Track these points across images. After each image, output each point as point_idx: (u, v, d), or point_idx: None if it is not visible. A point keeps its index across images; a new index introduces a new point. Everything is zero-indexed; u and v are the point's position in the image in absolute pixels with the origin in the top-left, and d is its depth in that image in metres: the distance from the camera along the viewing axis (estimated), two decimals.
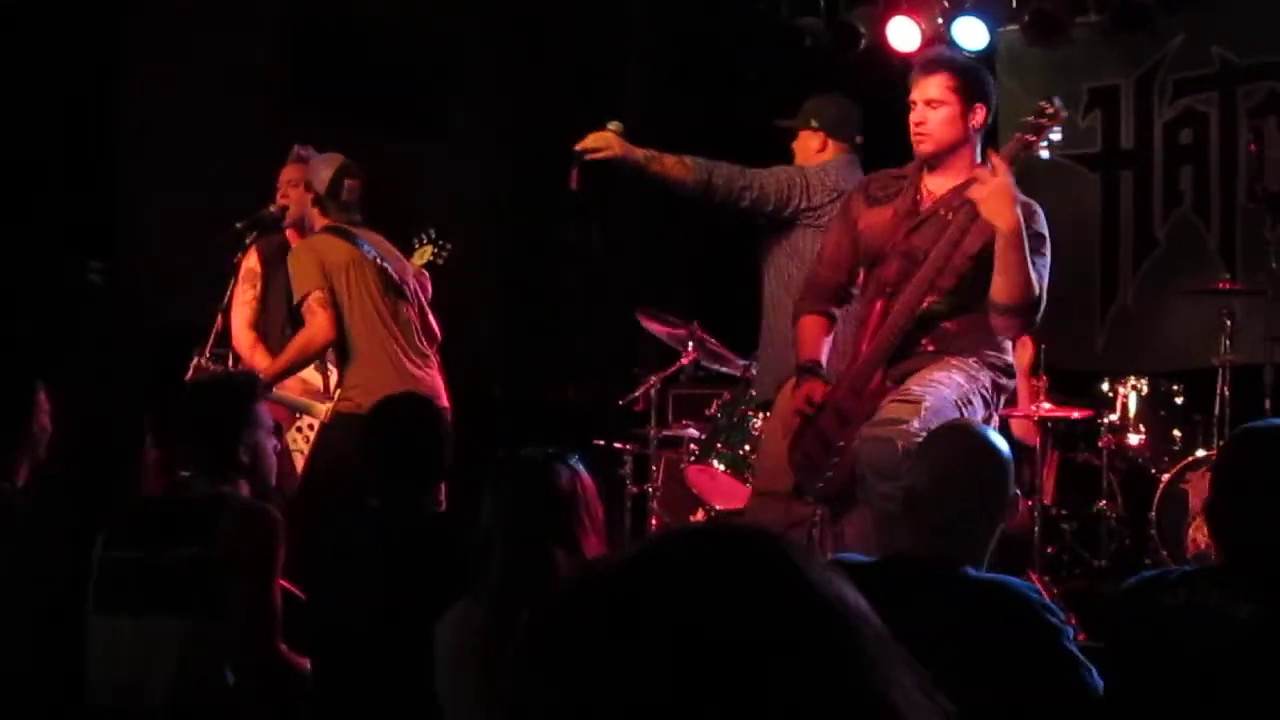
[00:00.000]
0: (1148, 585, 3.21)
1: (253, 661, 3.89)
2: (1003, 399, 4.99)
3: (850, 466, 4.73)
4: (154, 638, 3.82)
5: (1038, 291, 4.69)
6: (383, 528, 4.12)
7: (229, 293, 6.14)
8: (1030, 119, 4.73)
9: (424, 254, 6.35)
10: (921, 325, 4.80)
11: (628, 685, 1.10)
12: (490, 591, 3.46)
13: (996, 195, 4.53)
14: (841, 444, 4.82)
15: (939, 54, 5.18)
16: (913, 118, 4.93)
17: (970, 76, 4.96)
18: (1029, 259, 4.63)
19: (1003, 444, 3.49)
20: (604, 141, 5.46)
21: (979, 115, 4.92)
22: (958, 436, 3.66)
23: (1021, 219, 4.58)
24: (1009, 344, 4.98)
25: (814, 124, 5.87)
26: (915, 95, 4.93)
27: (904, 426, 4.51)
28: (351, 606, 3.98)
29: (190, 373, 5.97)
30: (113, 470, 6.58)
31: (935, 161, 4.93)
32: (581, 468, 3.60)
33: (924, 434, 4.42)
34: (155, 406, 6.34)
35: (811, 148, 5.85)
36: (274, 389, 6.02)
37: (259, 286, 6.35)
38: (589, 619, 1.15)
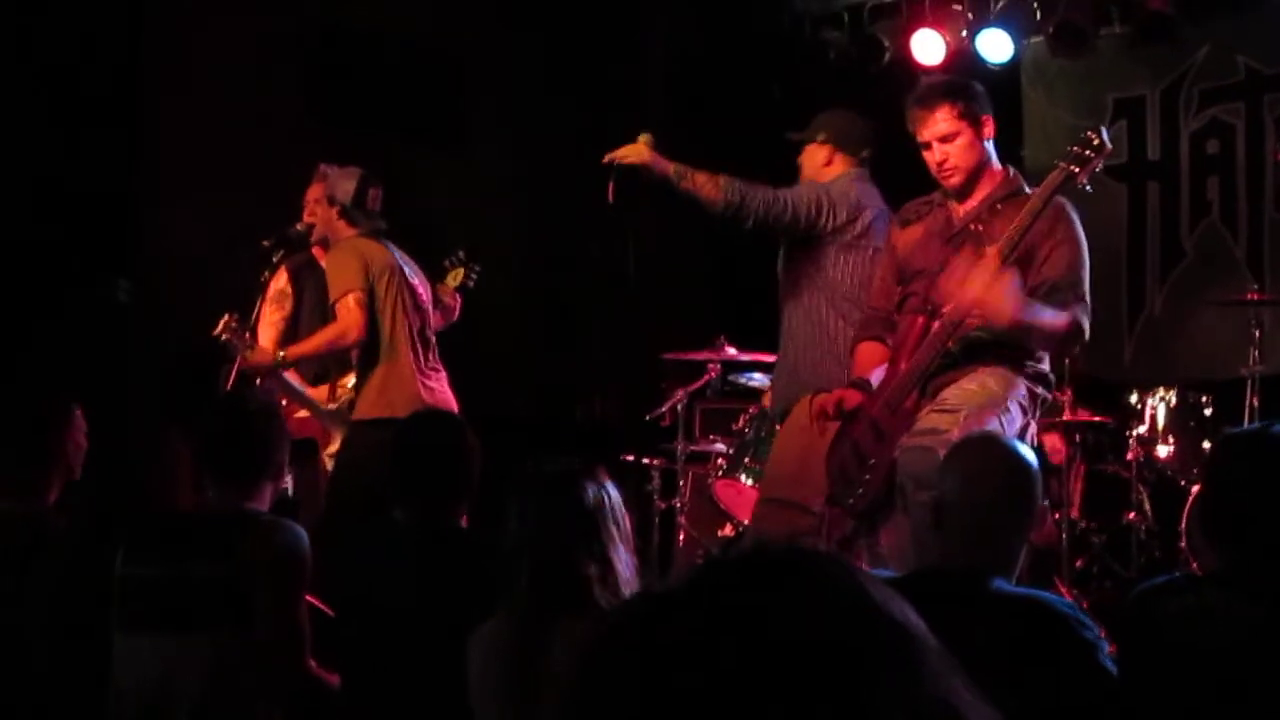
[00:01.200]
0: (1155, 591, 3.23)
1: (282, 678, 3.89)
2: (1039, 408, 4.97)
3: (882, 482, 4.74)
4: (178, 655, 3.82)
5: (1064, 328, 4.72)
6: (412, 542, 4.12)
7: (256, 310, 6.16)
8: (1076, 149, 4.73)
9: (456, 276, 6.38)
10: (959, 342, 4.81)
11: (695, 713, 1.10)
12: (519, 606, 3.46)
13: (992, 300, 4.58)
14: (874, 461, 4.82)
15: (930, 87, 5.16)
16: (933, 159, 4.97)
17: (968, 96, 4.98)
18: (1042, 316, 4.66)
19: (1029, 454, 3.49)
20: (634, 151, 5.44)
21: (989, 128, 4.99)
22: (983, 447, 3.66)
23: (1019, 309, 4.60)
24: (1045, 354, 4.98)
25: (822, 137, 5.81)
26: (926, 135, 4.95)
27: (944, 435, 4.52)
28: (381, 622, 3.98)
29: (219, 327, 5.97)
30: (140, 487, 6.61)
31: (966, 190, 4.96)
32: (608, 481, 3.60)
33: None
34: (185, 423, 6.36)
35: (819, 161, 5.80)
36: (285, 375, 6.05)
37: (288, 307, 6.37)
38: (654, 647, 1.14)
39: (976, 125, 4.93)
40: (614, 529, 3.48)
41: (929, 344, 4.80)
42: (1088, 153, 4.71)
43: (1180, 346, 8.38)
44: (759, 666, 1.10)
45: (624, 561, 3.46)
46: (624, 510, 3.58)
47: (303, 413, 6.30)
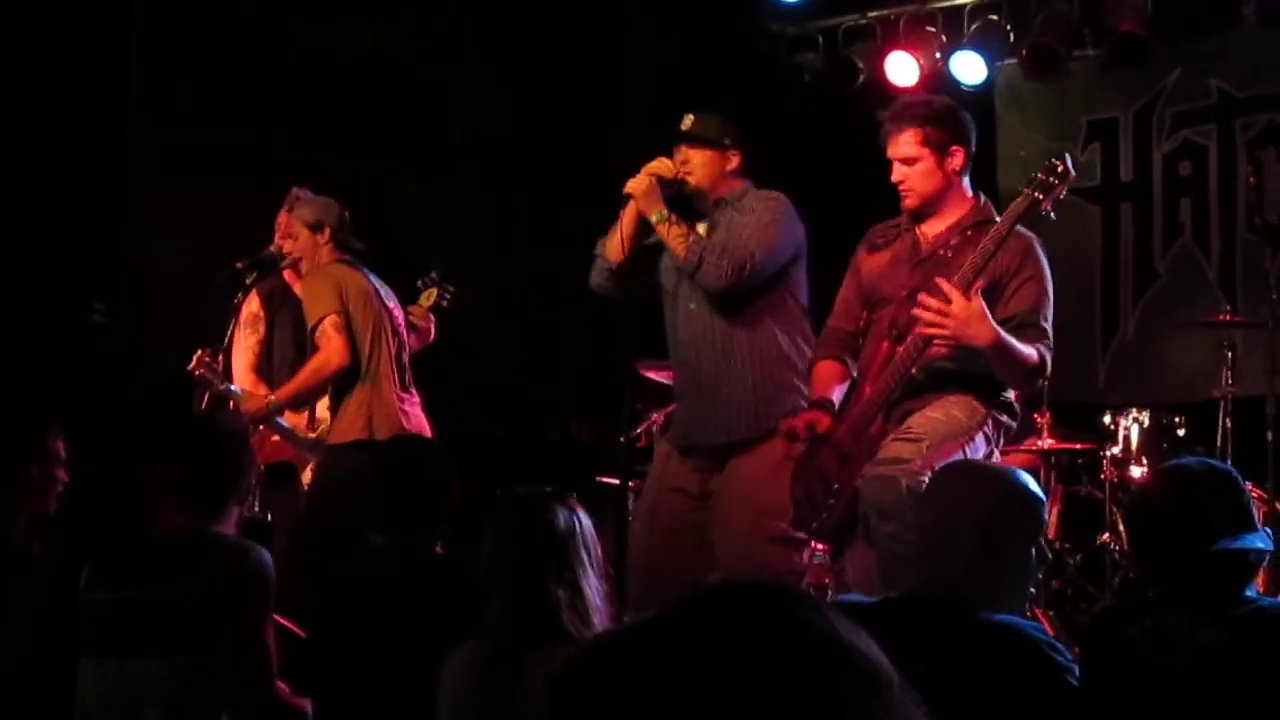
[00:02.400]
0: (1110, 614, 3.27)
1: (250, 702, 3.88)
2: (1004, 437, 4.98)
3: (847, 506, 4.73)
4: (143, 679, 3.79)
5: (1035, 364, 4.73)
6: (388, 566, 4.12)
7: (229, 334, 6.15)
8: (1041, 176, 4.70)
9: (430, 296, 6.37)
10: (924, 369, 4.78)
11: None
12: (490, 631, 3.46)
13: (960, 323, 4.54)
14: (838, 485, 4.82)
15: (904, 106, 5.14)
16: (893, 176, 4.97)
17: (937, 125, 4.94)
18: (1015, 347, 4.65)
19: (1021, 481, 3.41)
20: (637, 183, 5.31)
21: (956, 159, 4.93)
22: (961, 475, 3.66)
23: (998, 332, 4.58)
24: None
25: (729, 142, 5.46)
26: (890, 153, 4.95)
27: (907, 465, 4.50)
28: (355, 645, 3.98)
29: (193, 363, 5.96)
30: (115, 511, 6.59)
31: (923, 213, 4.97)
32: (579, 508, 3.60)
33: (927, 472, 4.44)
34: (161, 444, 6.33)
35: (723, 169, 5.47)
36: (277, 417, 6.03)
37: (262, 330, 6.35)
38: (624, 683, 1.16)
39: (941, 153, 4.90)
40: (584, 555, 3.49)
41: (893, 369, 4.78)
42: (1052, 179, 4.68)
43: (1153, 368, 8.41)
44: (729, 702, 1.12)
45: (594, 588, 3.47)
46: (595, 537, 3.58)
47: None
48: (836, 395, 5.04)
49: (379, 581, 4.07)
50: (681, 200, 5.38)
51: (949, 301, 4.52)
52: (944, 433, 4.64)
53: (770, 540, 5.18)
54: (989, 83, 8.64)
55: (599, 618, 3.40)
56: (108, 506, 6.46)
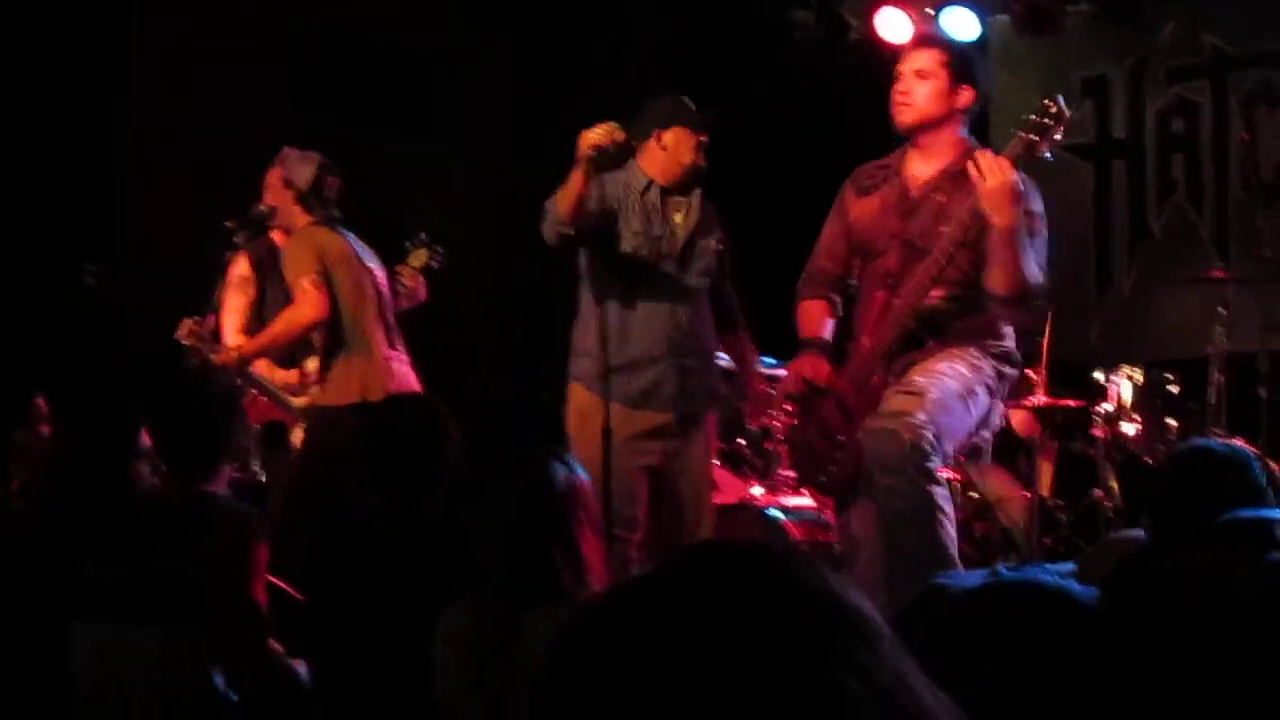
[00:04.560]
0: (1140, 556, 3.30)
1: (244, 665, 3.88)
2: (1007, 387, 4.97)
3: (854, 460, 4.73)
4: (138, 645, 3.80)
5: (1036, 280, 4.69)
6: (383, 528, 4.12)
7: (218, 293, 6.13)
8: (1034, 118, 4.65)
9: (419, 257, 6.36)
10: (922, 319, 4.78)
11: (651, 709, 1.14)
12: (487, 591, 3.46)
13: (999, 192, 4.49)
14: (844, 439, 4.81)
15: (934, 33, 5.16)
16: (897, 87, 4.91)
17: (963, 56, 4.98)
18: (1025, 248, 4.62)
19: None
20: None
21: (965, 96, 4.91)
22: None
23: (1020, 218, 4.56)
24: (1010, 332, 4.97)
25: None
26: (903, 67, 4.92)
27: (908, 419, 4.51)
28: (350, 607, 3.98)
29: (183, 332, 5.96)
30: (107, 475, 6.58)
31: (915, 137, 4.91)
32: (577, 466, 3.59)
33: (929, 425, 4.44)
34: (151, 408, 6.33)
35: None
36: (251, 369, 6.02)
37: (251, 292, 6.34)
38: (625, 638, 1.18)
39: (953, 82, 4.87)
40: (582, 515, 3.47)
41: (892, 319, 4.77)
42: (1047, 120, 4.64)
43: (1146, 325, 8.41)
44: (720, 656, 1.14)
45: (592, 548, 3.46)
46: (593, 496, 3.57)
47: None
48: (827, 333, 5.04)
49: (372, 543, 4.06)
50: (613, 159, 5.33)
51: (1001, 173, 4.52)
52: (946, 385, 4.64)
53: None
54: (981, 39, 8.60)
55: (596, 578, 3.39)
56: (95, 468, 6.46)
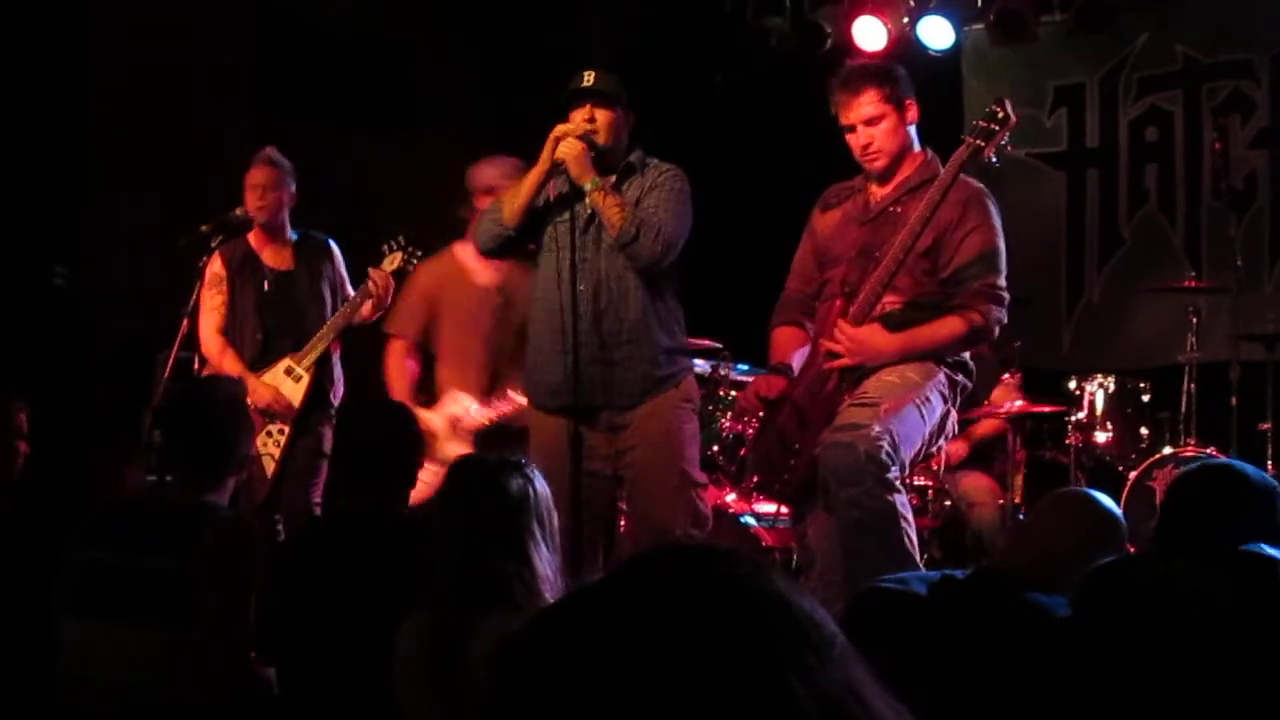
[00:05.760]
0: (1118, 563, 3.30)
1: (222, 671, 3.86)
2: (959, 395, 4.99)
3: (808, 467, 4.74)
4: (127, 643, 3.79)
5: (964, 329, 4.79)
6: (349, 531, 4.10)
7: (194, 296, 6.10)
8: (982, 124, 4.74)
9: (394, 260, 6.34)
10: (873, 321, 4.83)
11: (602, 710, 1.13)
12: (440, 599, 3.44)
13: (862, 350, 4.75)
14: (798, 446, 4.83)
15: (854, 70, 5.13)
16: (857, 141, 4.94)
17: (893, 80, 4.98)
18: (925, 340, 4.77)
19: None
20: (570, 148, 5.07)
21: (912, 112, 4.98)
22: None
23: (899, 343, 4.76)
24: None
25: (625, 103, 5.28)
26: (852, 118, 4.93)
27: (864, 431, 4.54)
28: (316, 611, 3.95)
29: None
30: (79, 473, 6.55)
31: (890, 171, 4.97)
32: (536, 475, 3.56)
33: (885, 436, 4.47)
34: (125, 409, 6.31)
35: (621, 133, 5.29)
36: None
37: (225, 291, 6.32)
38: (570, 643, 1.18)
39: (900, 109, 4.93)
40: (536, 526, 3.44)
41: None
42: (993, 126, 4.71)
43: (1118, 333, 8.44)
44: (674, 656, 1.14)
45: (545, 559, 3.41)
46: (551, 506, 3.53)
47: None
48: (796, 360, 5.05)
49: (339, 546, 4.04)
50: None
51: (843, 339, 4.72)
52: (899, 395, 4.68)
53: (694, 488, 5.12)
54: (956, 48, 8.64)
55: (549, 589, 3.35)
56: (70, 469, 6.43)
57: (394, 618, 3.52)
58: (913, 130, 5.00)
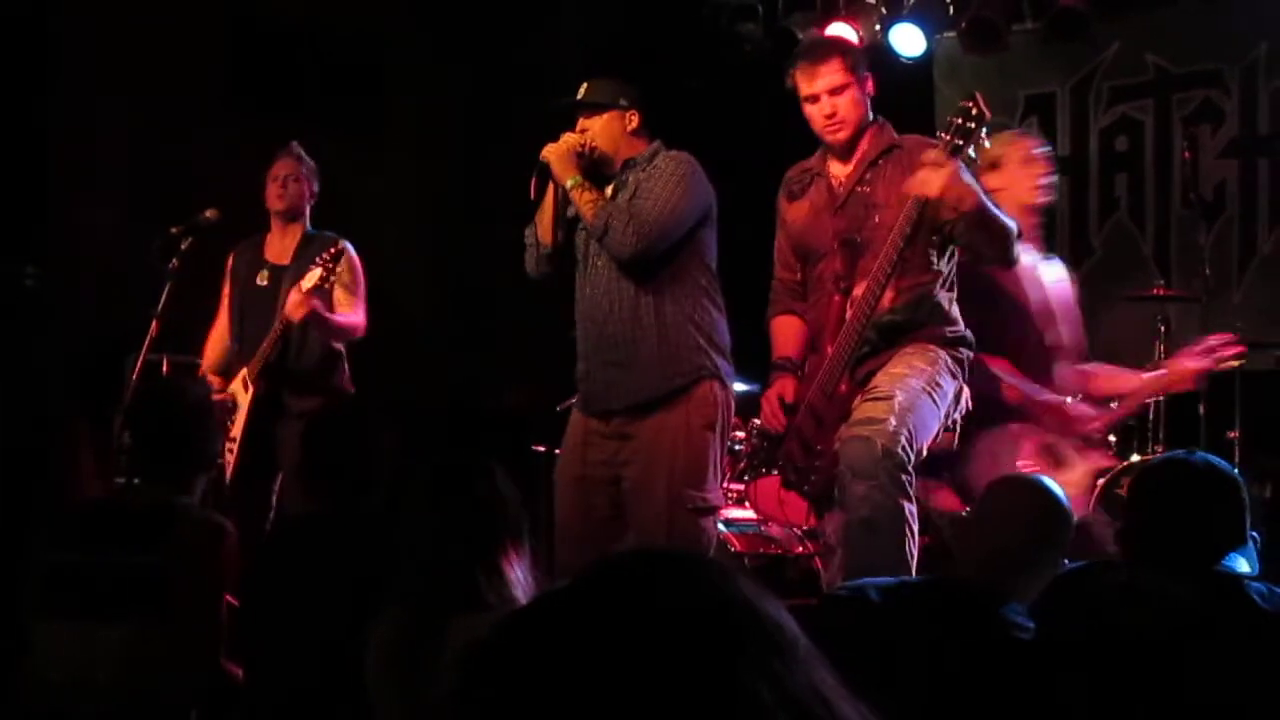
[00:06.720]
0: (1080, 570, 3.30)
1: (195, 671, 3.86)
2: (965, 369, 4.99)
3: (831, 466, 4.77)
4: (96, 643, 3.78)
5: (1014, 225, 4.84)
6: (318, 532, 4.10)
7: (164, 298, 6.08)
8: (958, 121, 4.69)
9: (311, 277, 6.13)
10: (880, 327, 4.84)
11: (569, 713, 1.14)
12: (409, 600, 3.43)
13: (949, 187, 4.58)
14: (820, 447, 4.86)
15: (818, 42, 5.19)
16: (820, 110, 4.94)
17: (854, 52, 5.06)
18: (994, 205, 4.76)
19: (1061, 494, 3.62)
20: (555, 150, 5.15)
21: (869, 84, 5.01)
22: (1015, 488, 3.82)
23: (979, 191, 4.67)
24: (957, 313, 5.02)
25: (625, 102, 5.31)
26: (816, 88, 4.94)
27: (881, 425, 4.57)
28: (286, 611, 3.95)
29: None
30: (44, 474, 6.52)
31: (852, 143, 4.97)
32: (502, 476, 3.55)
33: (902, 429, 4.49)
34: (93, 410, 6.28)
35: (623, 129, 5.31)
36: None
37: (228, 293, 6.37)
38: (517, 654, 1.20)
39: (861, 81, 4.96)
40: (504, 527, 3.44)
41: (849, 329, 4.82)
42: (970, 124, 4.66)
43: (1088, 341, 8.46)
44: (638, 657, 1.15)
45: (513, 561, 3.41)
46: (519, 507, 3.53)
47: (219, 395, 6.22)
48: (795, 350, 5.08)
49: (308, 547, 4.03)
50: (595, 170, 5.21)
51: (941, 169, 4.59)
52: (909, 383, 4.71)
53: (688, 510, 5.06)
54: (928, 55, 8.66)
55: (520, 590, 3.35)
56: (35, 470, 6.40)
57: (366, 617, 3.51)
58: (869, 105, 5.02)
